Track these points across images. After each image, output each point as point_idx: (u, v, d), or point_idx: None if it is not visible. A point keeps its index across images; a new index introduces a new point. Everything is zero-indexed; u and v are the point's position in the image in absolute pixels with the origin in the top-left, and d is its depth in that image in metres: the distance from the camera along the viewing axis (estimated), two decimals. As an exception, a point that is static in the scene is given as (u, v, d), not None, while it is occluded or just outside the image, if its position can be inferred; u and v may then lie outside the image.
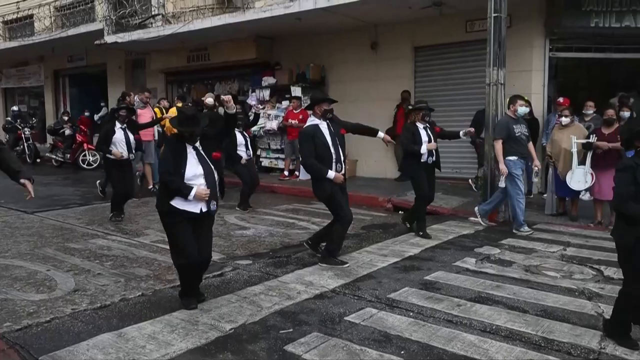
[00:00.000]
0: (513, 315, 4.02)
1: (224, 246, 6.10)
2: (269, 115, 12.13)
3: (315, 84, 12.07)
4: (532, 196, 9.18)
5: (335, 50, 11.91)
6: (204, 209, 4.00)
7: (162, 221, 4.13)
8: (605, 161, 6.86)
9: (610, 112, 7.05)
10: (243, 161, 8.41)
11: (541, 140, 9.02)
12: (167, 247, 4.39)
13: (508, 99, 7.38)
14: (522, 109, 7.10)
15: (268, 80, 12.53)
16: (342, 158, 5.31)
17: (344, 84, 11.77)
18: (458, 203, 8.58)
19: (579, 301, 4.34)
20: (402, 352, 3.38)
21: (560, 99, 8.56)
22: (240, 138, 8.39)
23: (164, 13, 12.69)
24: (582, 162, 7.03)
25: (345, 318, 3.93)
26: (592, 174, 6.94)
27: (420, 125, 6.50)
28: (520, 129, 6.99)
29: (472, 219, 7.51)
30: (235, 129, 7.60)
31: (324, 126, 5.25)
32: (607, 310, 4.04)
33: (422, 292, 4.56)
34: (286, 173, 11.51)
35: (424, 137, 6.44)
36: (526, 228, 6.88)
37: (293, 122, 11.11)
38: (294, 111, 11.23)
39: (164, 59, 14.76)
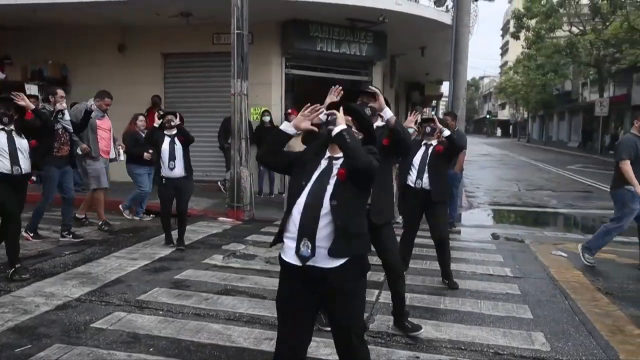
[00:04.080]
0: (254, 302, 4.54)
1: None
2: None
3: (55, 82, 11.07)
4: (272, 196, 10.25)
5: (79, 49, 11.15)
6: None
7: None
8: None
9: (332, 123, 8.38)
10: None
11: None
12: None
13: (632, 113, 6.70)
14: None
15: (-5, 74, 11.01)
16: None
17: (90, 85, 10.98)
18: (208, 204, 9.02)
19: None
20: (151, 349, 3.54)
21: (289, 110, 9.78)
22: (165, 144, 6.16)
23: None
24: (313, 165, 8.17)
25: (92, 325, 3.88)
26: (320, 176, 8.13)
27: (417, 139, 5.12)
28: None
29: (221, 219, 8.02)
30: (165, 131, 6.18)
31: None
32: (328, 288, 4.91)
33: (172, 290, 4.77)
34: (34, 178, 10.27)
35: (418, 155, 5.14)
36: (592, 260, 6.16)
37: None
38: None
39: None
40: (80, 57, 11.17)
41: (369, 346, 3.65)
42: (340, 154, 2.44)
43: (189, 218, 8.05)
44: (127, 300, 4.46)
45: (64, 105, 6.28)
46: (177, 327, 3.93)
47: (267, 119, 10.02)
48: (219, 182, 10.26)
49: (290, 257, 2.41)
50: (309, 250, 2.35)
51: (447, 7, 11.84)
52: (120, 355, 3.42)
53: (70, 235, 6.55)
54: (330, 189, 2.40)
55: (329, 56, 10.68)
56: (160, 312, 4.22)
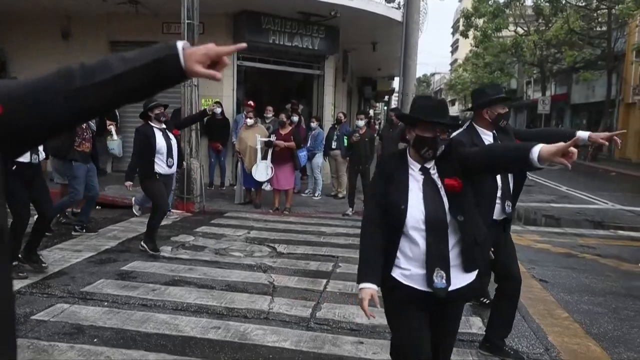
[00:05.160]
0: (202, 292, 4.55)
1: None
2: None
3: (-8, 69, 10.57)
4: (224, 188, 10.20)
5: (21, 36, 10.66)
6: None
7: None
8: (281, 157, 8.17)
9: (282, 116, 8.42)
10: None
11: (231, 138, 10.06)
12: None
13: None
14: None
15: None
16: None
17: (32, 73, 10.58)
18: (157, 197, 8.86)
19: (257, 274, 5.18)
20: (95, 339, 3.50)
21: (251, 102, 9.72)
22: (160, 139, 5.67)
23: None
24: (264, 157, 8.19)
25: (32, 317, 3.80)
26: (272, 168, 8.16)
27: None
28: None
29: (174, 211, 7.91)
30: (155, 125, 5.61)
31: (488, 139, 3.29)
32: (277, 279, 4.98)
33: (118, 282, 4.71)
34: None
35: None
36: None
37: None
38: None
39: None
40: (21, 43, 10.67)
41: (314, 333, 3.78)
42: (431, 163, 2.22)
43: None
44: (71, 291, 4.38)
45: None
46: (122, 317, 3.90)
47: (218, 110, 9.93)
48: (169, 174, 10.11)
49: (420, 285, 2.15)
50: (444, 281, 2.12)
51: (398, 3, 12.06)
52: (62, 346, 3.37)
53: (84, 230, 6.36)
54: (446, 204, 2.15)
55: (282, 49, 10.69)
56: (105, 303, 4.17)
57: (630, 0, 17.07)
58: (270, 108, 9.50)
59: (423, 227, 2.12)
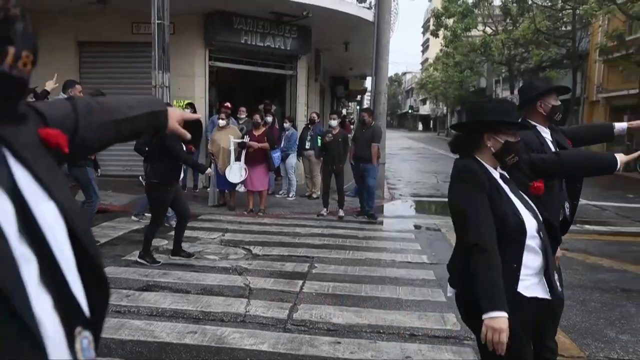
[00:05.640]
0: (177, 297, 4.52)
1: None
2: None
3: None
4: (197, 190, 10.10)
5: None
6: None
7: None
8: (255, 158, 8.14)
9: (256, 116, 8.39)
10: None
11: (206, 139, 9.97)
12: None
13: None
14: None
15: None
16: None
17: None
18: (128, 200, 8.74)
19: (232, 277, 5.16)
20: (69, 348, 3.44)
21: (228, 104, 9.66)
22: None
23: None
24: (237, 158, 8.14)
25: (2, 327, 3.70)
26: (245, 169, 8.11)
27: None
28: None
29: (148, 214, 7.80)
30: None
31: (548, 137, 3.01)
32: (253, 281, 4.98)
33: (90, 288, 4.62)
34: None
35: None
36: None
37: None
38: None
39: None
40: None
41: (292, 334, 3.79)
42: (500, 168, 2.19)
43: (107, 214, 7.83)
44: (41, 300, 4.27)
45: None
46: (96, 325, 3.83)
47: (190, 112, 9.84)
48: (140, 177, 9.93)
49: (541, 292, 2.07)
50: (557, 281, 2.12)
51: (369, 3, 12.15)
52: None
53: None
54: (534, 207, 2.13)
55: (254, 49, 10.65)
56: (78, 311, 4.08)
57: (593, 1, 17.55)
58: (243, 109, 9.47)
59: (536, 234, 2.05)
